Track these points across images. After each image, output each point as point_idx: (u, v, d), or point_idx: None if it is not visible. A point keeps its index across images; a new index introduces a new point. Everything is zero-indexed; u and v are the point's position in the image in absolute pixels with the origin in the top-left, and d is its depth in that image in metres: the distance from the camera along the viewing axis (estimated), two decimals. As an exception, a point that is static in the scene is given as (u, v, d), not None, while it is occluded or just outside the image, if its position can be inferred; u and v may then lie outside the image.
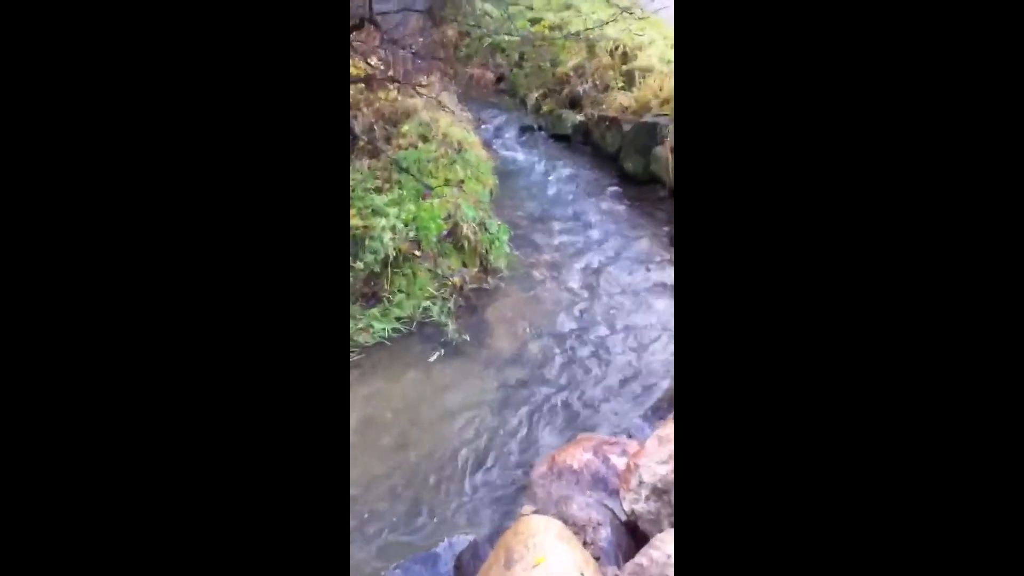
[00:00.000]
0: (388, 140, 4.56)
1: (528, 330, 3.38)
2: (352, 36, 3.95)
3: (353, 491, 2.42)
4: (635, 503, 1.93)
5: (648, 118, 4.74)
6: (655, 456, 2.02)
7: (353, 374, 2.99)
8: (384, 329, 3.29)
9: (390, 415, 2.82)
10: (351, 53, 4.09)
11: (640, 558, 1.49)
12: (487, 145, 5.44)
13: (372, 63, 4.68)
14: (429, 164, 4.48)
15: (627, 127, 4.92)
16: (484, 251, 3.89)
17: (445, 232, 3.88)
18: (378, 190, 3.94)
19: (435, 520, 2.34)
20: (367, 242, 3.51)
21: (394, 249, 3.52)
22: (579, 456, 2.41)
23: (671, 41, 5.58)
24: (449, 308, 3.46)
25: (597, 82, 5.65)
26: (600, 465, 2.38)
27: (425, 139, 4.80)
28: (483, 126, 6.01)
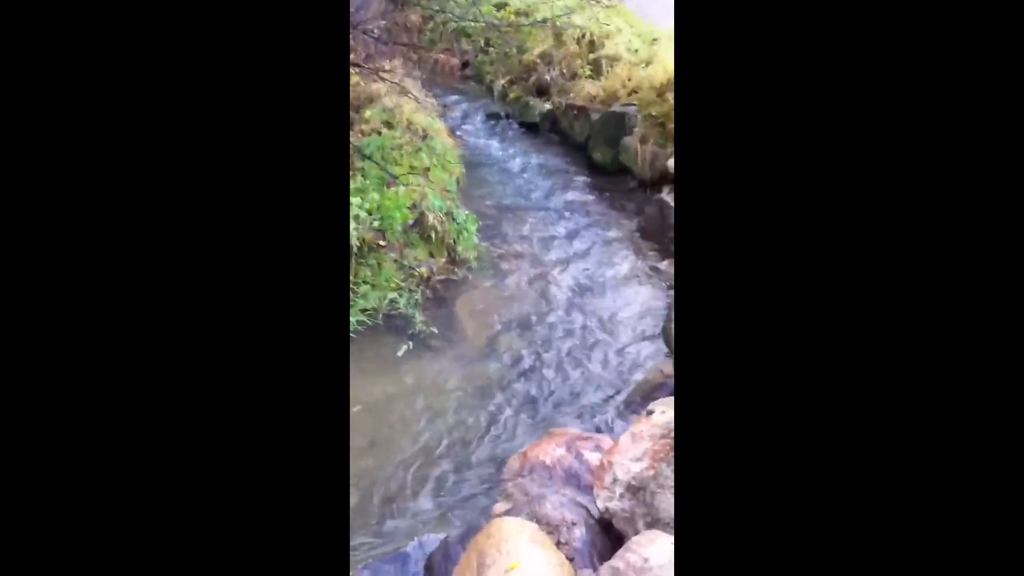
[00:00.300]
0: (350, 126, 4.43)
1: (498, 322, 3.33)
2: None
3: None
4: (609, 501, 1.90)
5: (616, 108, 4.71)
6: (629, 453, 1.99)
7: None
8: (349, 321, 3.20)
9: (357, 411, 2.74)
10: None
11: (616, 561, 1.46)
12: (453, 132, 5.35)
13: (334, 47, 4.53)
14: (393, 151, 4.37)
15: (595, 116, 4.88)
16: (452, 241, 3.81)
17: (411, 221, 3.78)
18: (341, 178, 3.82)
19: (405, 519, 2.28)
20: (331, 232, 3.41)
21: (358, 239, 3.42)
22: (552, 452, 2.37)
23: (638, 30, 5.56)
24: (416, 300, 3.38)
25: (564, 70, 5.60)
26: (573, 461, 2.34)
27: (389, 125, 4.68)
28: (449, 112, 5.91)
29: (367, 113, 4.62)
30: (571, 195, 4.58)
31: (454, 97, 6.28)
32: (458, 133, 5.49)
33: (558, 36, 5.78)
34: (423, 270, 3.61)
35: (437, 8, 5.78)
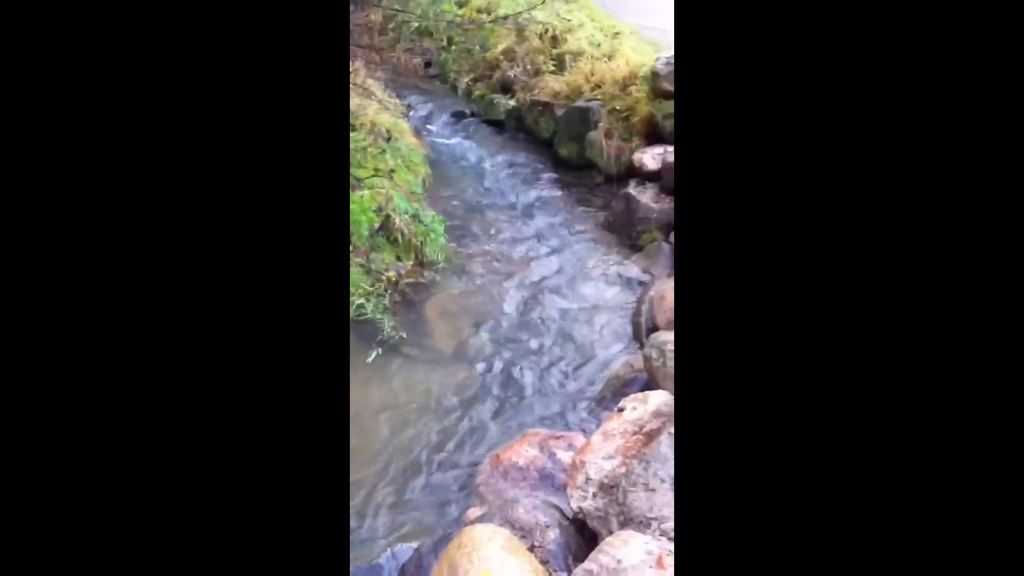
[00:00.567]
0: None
1: (468, 324, 3.29)
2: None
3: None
4: (582, 501, 1.89)
5: (580, 103, 4.69)
6: (601, 451, 1.98)
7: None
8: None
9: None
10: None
11: (589, 564, 1.45)
12: (418, 132, 5.29)
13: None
14: (357, 154, 4.31)
15: (560, 112, 4.87)
16: (419, 243, 3.77)
17: (377, 225, 3.73)
18: (304, 183, 3.75)
19: (377, 529, 2.24)
20: (294, 238, 3.34)
21: (323, 245, 3.36)
22: (524, 453, 2.35)
23: (600, 23, 5.55)
24: (384, 304, 3.33)
25: (528, 66, 5.57)
26: (546, 461, 2.33)
27: (352, 128, 4.61)
28: (412, 112, 5.85)
29: (329, 116, 4.55)
30: (538, 192, 4.55)
31: (418, 97, 6.22)
32: (423, 133, 5.44)
33: (520, 32, 5.75)
34: (391, 274, 3.56)
35: (398, 7, 5.72)
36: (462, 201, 4.48)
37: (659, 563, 1.37)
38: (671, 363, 2.33)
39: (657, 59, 4.16)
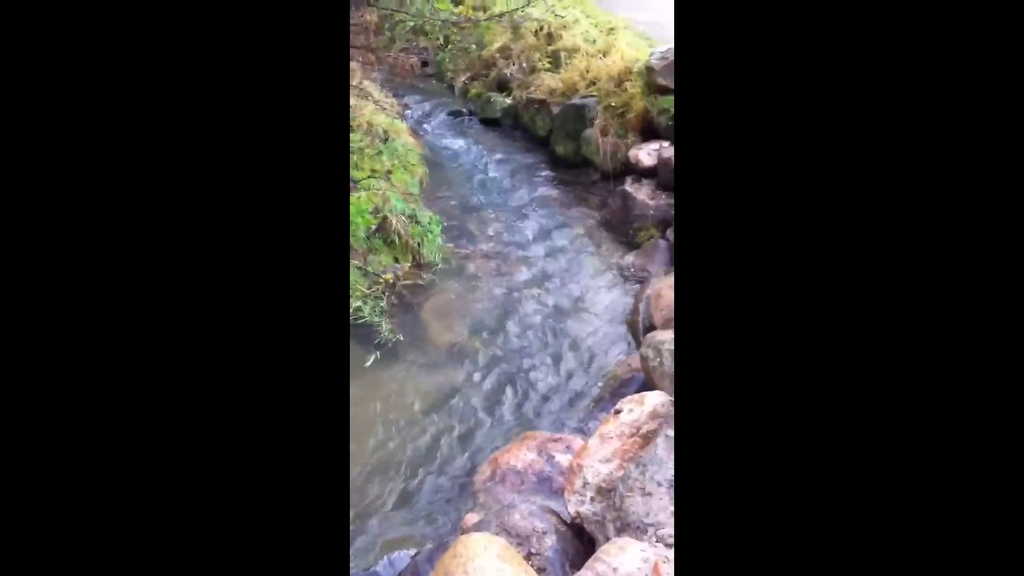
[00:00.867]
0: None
1: (465, 326, 3.28)
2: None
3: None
4: (580, 505, 1.87)
5: (576, 100, 4.67)
6: (598, 455, 1.97)
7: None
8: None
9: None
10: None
11: (585, 572, 1.43)
12: (415, 132, 5.27)
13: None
14: (354, 155, 4.29)
15: (556, 109, 4.84)
16: (416, 245, 3.75)
17: (374, 227, 3.72)
18: (299, 186, 3.74)
19: (374, 536, 2.22)
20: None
21: (319, 249, 3.34)
22: (523, 456, 2.34)
23: (595, 20, 5.52)
24: (382, 307, 3.32)
25: (524, 64, 5.54)
26: (545, 464, 2.31)
27: (349, 129, 4.60)
28: (409, 112, 5.83)
29: (325, 118, 4.53)
30: (535, 191, 4.53)
31: (415, 96, 6.20)
32: (421, 132, 5.42)
33: (516, 30, 5.72)
34: (388, 276, 3.54)
35: (394, 7, 5.69)
36: (459, 201, 4.46)
37: (655, 571, 1.35)
38: (668, 363, 2.31)
39: (652, 54, 4.13)
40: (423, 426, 2.70)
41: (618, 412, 2.08)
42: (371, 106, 4.83)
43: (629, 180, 4.04)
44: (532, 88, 5.23)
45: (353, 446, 2.59)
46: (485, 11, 5.82)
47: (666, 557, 1.40)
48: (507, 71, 5.66)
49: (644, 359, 2.43)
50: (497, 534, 1.75)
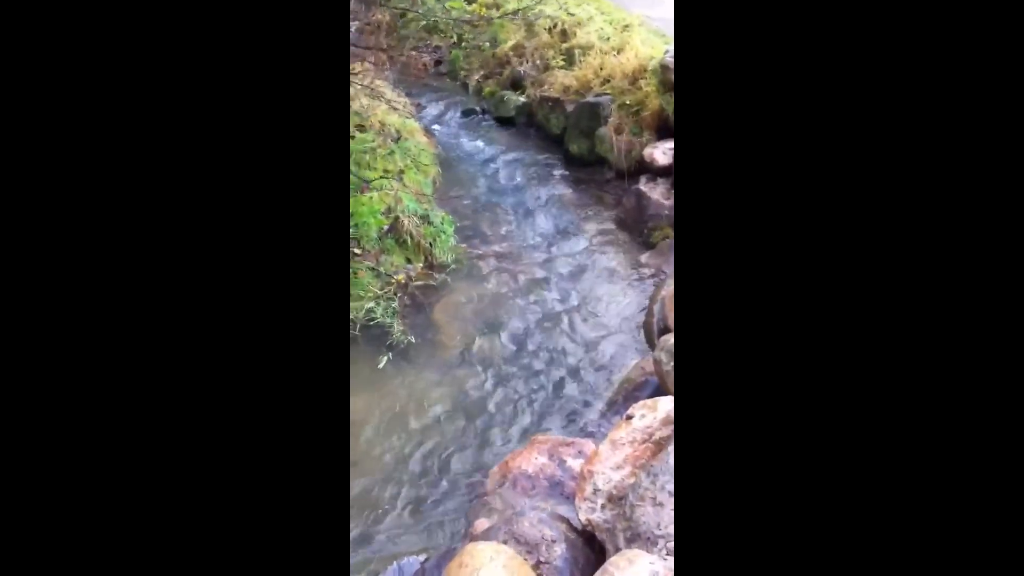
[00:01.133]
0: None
1: (478, 327, 3.26)
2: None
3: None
4: (591, 513, 1.85)
5: (590, 98, 4.62)
6: (609, 461, 1.94)
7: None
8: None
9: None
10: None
11: (595, 583, 1.40)
12: (428, 131, 5.26)
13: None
14: (366, 155, 4.29)
15: (570, 107, 4.80)
16: (428, 245, 3.74)
17: (386, 227, 3.71)
18: (312, 187, 3.73)
19: (383, 540, 2.21)
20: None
21: (332, 249, 3.33)
22: (534, 460, 2.31)
23: (609, 17, 5.46)
24: (394, 308, 3.31)
25: (538, 62, 5.50)
26: (556, 469, 2.29)
27: (361, 129, 4.59)
28: (424, 111, 5.82)
29: (338, 118, 4.53)
30: (549, 190, 4.50)
31: (429, 95, 6.18)
32: (433, 131, 5.40)
33: (530, 27, 5.68)
34: (400, 277, 3.53)
35: (406, 6, 5.68)
36: (472, 200, 4.44)
37: (665, 584, 1.32)
38: (682, 367, 2.27)
39: (666, 52, 4.07)
40: (434, 429, 2.69)
41: (630, 417, 2.05)
42: (383, 106, 4.82)
43: (644, 179, 3.99)
44: (546, 86, 5.18)
45: (363, 449, 2.58)
46: (499, 8, 5.79)
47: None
48: (521, 69, 5.62)
49: (657, 363, 2.39)
50: (506, 542, 1.73)
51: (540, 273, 3.65)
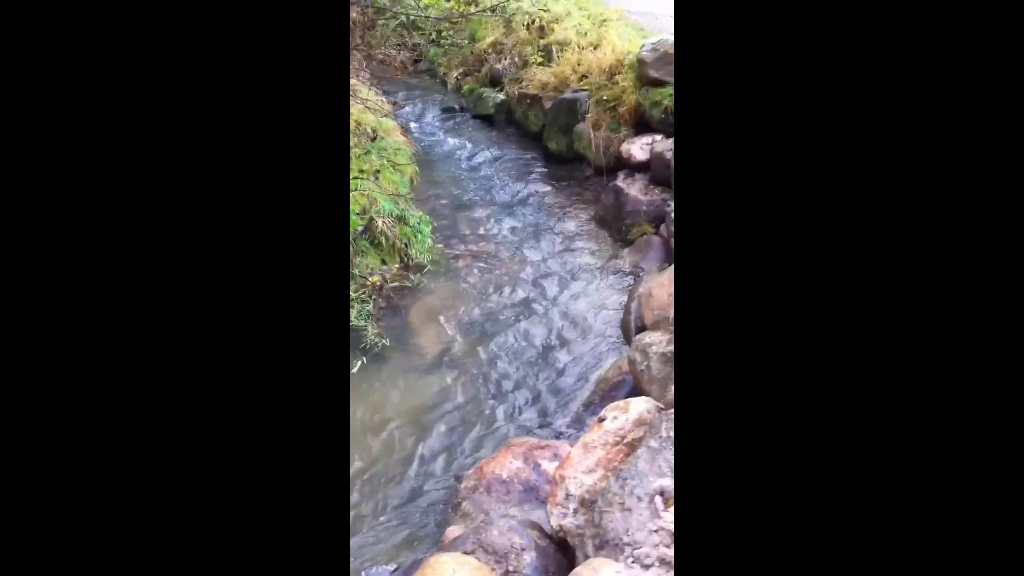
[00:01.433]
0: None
1: (453, 329, 3.21)
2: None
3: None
4: (563, 518, 1.81)
5: (568, 94, 4.58)
6: (581, 465, 1.90)
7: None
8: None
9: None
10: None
11: (560, 594, 1.36)
12: (406, 130, 5.20)
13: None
14: (341, 156, 4.22)
15: (548, 104, 4.76)
16: (404, 246, 3.68)
17: (360, 229, 3.65)
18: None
19: (356, 547, 2.16)
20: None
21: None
22: (508, 464, 2.27)
23: (587, 11, 5.42)
24: (368, 311, 3.25)
25: (516, 58, 5.46)
26: (531, 473, 2.24)
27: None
28: (402, 109, 5.76)
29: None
30: (528, 187, 4.45)
31: (408, 93, 6.12)
32: (411, 129, 5.34)
33: (508, 24, 5.63)
34: (375, 279, 3.48)
35: (385, 3, 5.61)
36: (451, 199, 4.39)
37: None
38: (656, 366, 2.24)
39: (643, 46, 4.03)
40: (408, 433, 2.63)
41: (602, 420, 2.01)
42: (359, 105, 4.75)
43: (622, 175, 3.95)
44: (524, 83, 5.14)
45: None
46: (476, 5, 5.73)
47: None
48: (499, 66, 5.57)
49: (632, 362, 2.36)
50: (474, 551, 1.69)
51: (518, 272, 3.61)
